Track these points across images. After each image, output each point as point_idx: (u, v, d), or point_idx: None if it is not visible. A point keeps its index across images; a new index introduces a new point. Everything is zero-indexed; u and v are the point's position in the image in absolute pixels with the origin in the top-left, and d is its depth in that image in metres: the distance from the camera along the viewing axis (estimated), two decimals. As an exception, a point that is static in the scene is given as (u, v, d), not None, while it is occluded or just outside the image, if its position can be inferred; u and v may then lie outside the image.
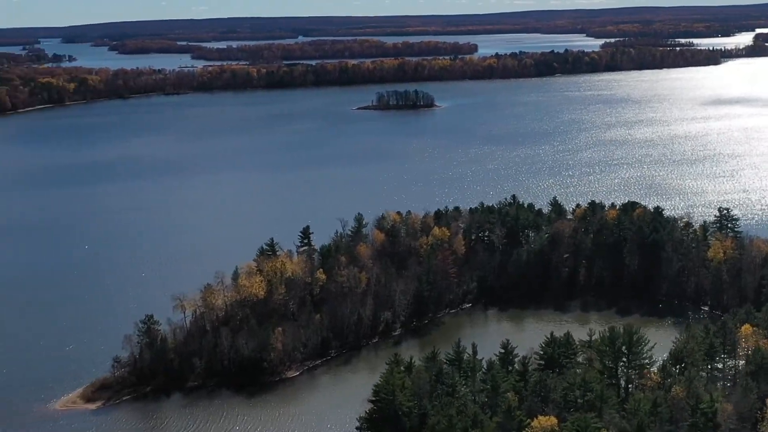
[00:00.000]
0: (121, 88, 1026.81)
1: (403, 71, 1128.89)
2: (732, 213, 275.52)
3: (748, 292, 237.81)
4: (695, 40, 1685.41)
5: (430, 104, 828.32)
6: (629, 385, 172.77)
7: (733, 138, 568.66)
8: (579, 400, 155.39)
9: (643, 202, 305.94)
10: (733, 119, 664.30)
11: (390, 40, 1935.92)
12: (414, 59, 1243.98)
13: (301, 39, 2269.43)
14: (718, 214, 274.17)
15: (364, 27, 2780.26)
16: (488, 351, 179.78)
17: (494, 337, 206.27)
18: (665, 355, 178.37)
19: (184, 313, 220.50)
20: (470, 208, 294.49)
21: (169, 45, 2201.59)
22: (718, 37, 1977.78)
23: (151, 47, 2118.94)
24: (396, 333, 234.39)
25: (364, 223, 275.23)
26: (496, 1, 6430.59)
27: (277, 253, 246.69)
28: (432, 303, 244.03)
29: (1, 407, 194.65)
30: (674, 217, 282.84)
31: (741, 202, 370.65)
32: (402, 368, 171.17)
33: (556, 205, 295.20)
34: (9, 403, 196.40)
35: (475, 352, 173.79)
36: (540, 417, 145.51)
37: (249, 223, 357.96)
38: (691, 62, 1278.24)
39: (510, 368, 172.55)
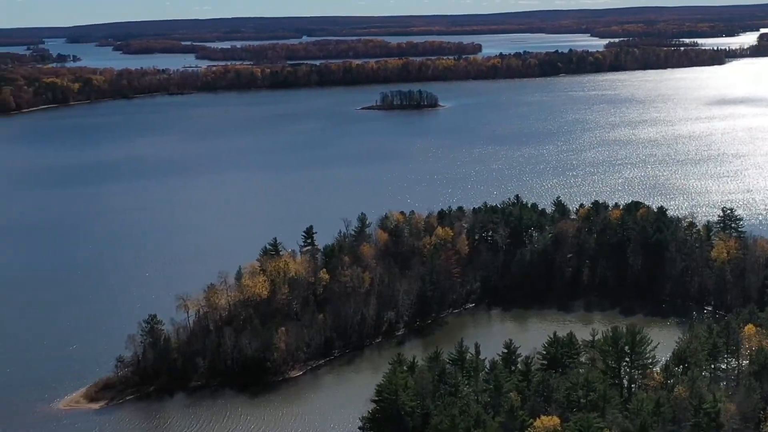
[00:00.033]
0: (125, 88, 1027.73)
1: (407, 71, 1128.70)
2: (736, 213, 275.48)
3: (752, 292, 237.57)
4: (699, 40, 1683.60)
5: (433, 104, 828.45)
6: (632, 385, 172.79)
7: (737, 138, 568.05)
8: (582, 400, 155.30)
9: (646, 202, 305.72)
10: (738, 119, 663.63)
11: (394, 40, 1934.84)
12: (418, 59, 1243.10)
13: (305, 39, 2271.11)
14: (721, 214, 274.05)
15: (368, 27, 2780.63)
16: (491, 351, 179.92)
17: (497, 337, 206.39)
18: (668, 355, 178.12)
19: (188, 312, 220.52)
20: (474, 208, 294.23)
21: (174, 45, 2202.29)
22: (722, 37, 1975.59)
23: (156, 47, 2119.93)
24: (399, 333, 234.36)
25: (367, 222, 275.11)
26: (501, 1, 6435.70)
27: (281, 253, 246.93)
28: (435, 303, 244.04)
29: (5, 407, 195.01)
30: (678, 217, 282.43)
31: (745, 202, 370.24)
32: (405, 368, 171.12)
33: (559, 205, 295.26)
34: (13, 403, 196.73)
35: (478, 352, 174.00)
36: (543, 417, 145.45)
37: (252, 223, 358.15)
38: (695, 62, 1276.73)
39: (513, 368, 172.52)
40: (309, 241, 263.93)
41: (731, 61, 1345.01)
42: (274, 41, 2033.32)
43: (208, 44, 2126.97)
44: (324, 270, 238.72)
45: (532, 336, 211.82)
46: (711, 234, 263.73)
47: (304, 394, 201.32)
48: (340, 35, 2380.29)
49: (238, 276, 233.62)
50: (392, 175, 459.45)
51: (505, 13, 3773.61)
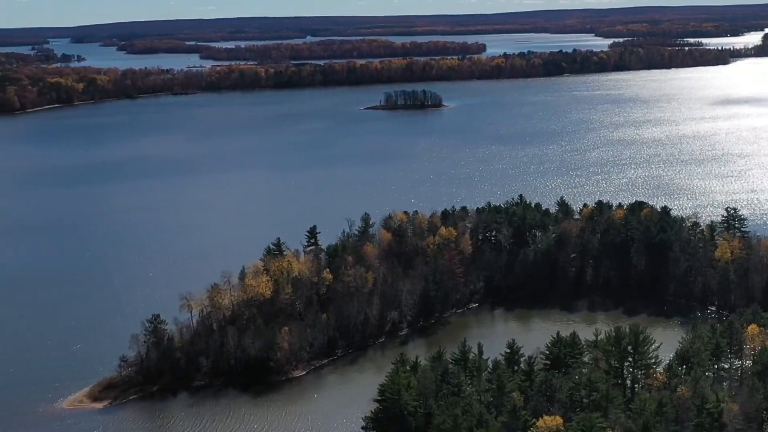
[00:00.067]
0: (129, 88, 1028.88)
1: (411, 71, 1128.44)
2: (740, 213, 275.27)
3: (756, 292, 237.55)
4: (704, 40, 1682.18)
5: (437, 104, 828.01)
6: (635, 385, 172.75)
7: (741, 138, 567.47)
8: (584, 400, 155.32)
9: (650, 202, 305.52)
10: (742, 119, 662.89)
11: (398, 40, 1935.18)
12: (422, 59, 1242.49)
13: (309, 39, 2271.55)
14: (725, 214, 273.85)
15: (372, 27, 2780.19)
16: (494, 351, 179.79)
17: (501, 336, 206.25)
18: (671, 355, 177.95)
19: (191, 312, 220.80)
20: (477, 207, 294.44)
21: (178, 45, 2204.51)
22: (726, 36, 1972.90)
23: (160, 47, 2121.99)
24: (402, 333, 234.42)
25: (371, 222, 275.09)
26: (505, 0, 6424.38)
27: (284, 252, 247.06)
28: (438, 303, 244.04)
29: (9, 406, 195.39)
30: (682, 216, 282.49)
31: (749, 202, 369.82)
32: (408, 368, 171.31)
33: (563, 205, 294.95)
34: (16, 402, 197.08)
35: (480, 352, 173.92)
36: (545, 417, 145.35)
37: (256, 222, 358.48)
38: (699, 62, 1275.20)
39: (516, 368, 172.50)
40: (312, 240, 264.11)
41: (736, 60, 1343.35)
42: (278, 41, 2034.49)
43: (212, 44, 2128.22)
44: (327, 270, 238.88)
45: (536, 336, 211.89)
46: (715, 234, 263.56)
47: (307, 393, 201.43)
48: (344, 35, 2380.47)
49: (242, 276, 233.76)
50: (396, 175, 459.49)
51: (509, 13, 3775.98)
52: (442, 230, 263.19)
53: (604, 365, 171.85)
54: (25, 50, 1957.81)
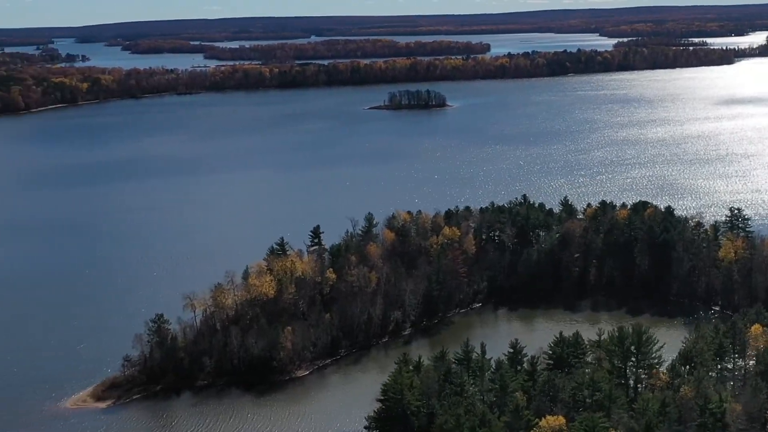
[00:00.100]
0: (133, 87, 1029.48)
1: (415, 71, 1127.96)
2: (743, 213, 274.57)
3: (759, 292, 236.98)
4: (708, 40, 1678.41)
5: (441, 104, 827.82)
6: (638, 385, 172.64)
7: (745, 137, 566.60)
8: (587, 400, 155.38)
9: (654, 202, 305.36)
10: (746, 119, 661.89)
11: (402, 40, 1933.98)
12: (426, 59, 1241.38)
13: (313, 39, 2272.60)
14: (729, 213, 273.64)
15: (376, 27, 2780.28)
16: (497, 351, 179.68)
17: (504, 336, 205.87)
18: (675, 355, 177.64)
19: (195, 312, 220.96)
20: (481, 207, 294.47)
21: (182, 45, 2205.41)
22: (731, 36, 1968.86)
23: (164, 47, 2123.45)
24: (406, 332, 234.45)
25: (374, 222, 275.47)
26: (509, 0, 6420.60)
27: (288, 252, 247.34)
28: (442, 302, 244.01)
29: (13, 405, 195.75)
30: (685, 216, 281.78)
31: (753, 202, 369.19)
32: (411, 368, 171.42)
33: (566, 205, 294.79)
34: (20, 402, 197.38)
35: (483, 352, 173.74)
36: (548, 417, 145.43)
37: (259, 222, 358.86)
38: (704, 62, 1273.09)
39: (519, 368, 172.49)
40: (316, 240, 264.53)
41: (740, 60, 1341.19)
42: (283, 41, 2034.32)
43: (216, 44, 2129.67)
44: (331, 269, 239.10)
45: (539, 336, 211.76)
46: (718, 234, 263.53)
47: (311, 393, 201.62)
48: (348, 35, 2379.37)
49: (245, 275, 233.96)
50: (399, 175, 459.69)
51: (513, 13, 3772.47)
52: (446, 230, 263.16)
53: (607, 365, 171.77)
54: (29, 50, 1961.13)
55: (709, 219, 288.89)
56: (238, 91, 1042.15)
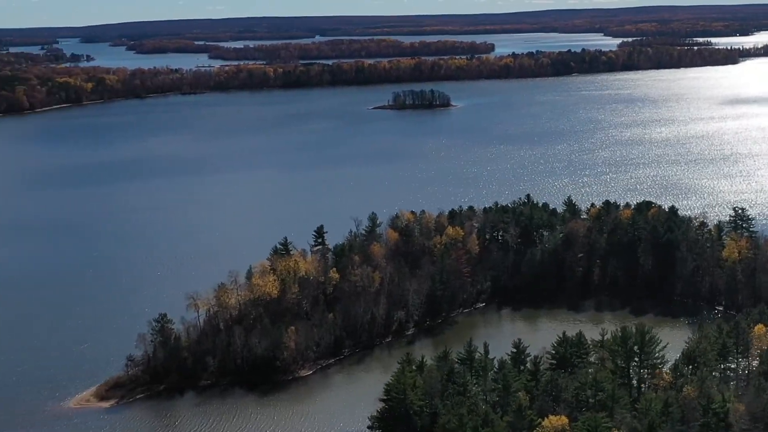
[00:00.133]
0: (138, 87, 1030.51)
1: (419, 71, 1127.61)
2: (747, 213, 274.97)
3: (763, 292, 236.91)
4: (713, 39, 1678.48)
5: (446, 104, 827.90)
6: (641, 385, 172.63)
7: (750, 137, 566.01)
8: (590, 400, 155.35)
9: (657, 202, 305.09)
10: (751, 118, 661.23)
11: (407, 40, 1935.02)
12: (430, 59, 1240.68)
13: (317, 38, 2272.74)
14: (733, 213, 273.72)
15: (381, 26, 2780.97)
16: (500, 350, 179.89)
17: (507, 336, 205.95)
18: (678, 355, 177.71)
19: (198, 312, 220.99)
20: (484, 207, 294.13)
21: (187, 45, 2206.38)
22: (736, 36, 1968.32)
23: (169, 47, 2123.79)
24: (409, 332, 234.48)
25: (378, 222, 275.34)
26: (514, 0, 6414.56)
27: (291, 252, 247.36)
28: (445, 302, 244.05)
29: (16, 405, 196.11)
30: (689, 216, 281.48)
31: (756, 202, 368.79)
32: (414, 367, 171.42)
33: (570, 205, 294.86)
34: (23, 401, 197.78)
35: (486, 352, 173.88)
36: (551, 416, 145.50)
37: (263, 222, 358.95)
38: (709, 61, 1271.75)
39: (522, 368, 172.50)
40: (319, 240, 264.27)
41: (745, 60, 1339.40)
42: (287, 41, 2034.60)
43: (221, 44, 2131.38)
44: (334, 269, 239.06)
45: (542, 336, 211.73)
46: (722, 234, 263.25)
47: (314, 393, 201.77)
48: (352, 35, 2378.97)
49: (249, 275, 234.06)
50: (403, 175, 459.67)
51: (518, 13, 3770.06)
52: (449, 230, 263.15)
53: (610, 365, 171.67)
54: (34, 50, 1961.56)
55: (712, 219, 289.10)
56: (243, 91, 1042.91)
